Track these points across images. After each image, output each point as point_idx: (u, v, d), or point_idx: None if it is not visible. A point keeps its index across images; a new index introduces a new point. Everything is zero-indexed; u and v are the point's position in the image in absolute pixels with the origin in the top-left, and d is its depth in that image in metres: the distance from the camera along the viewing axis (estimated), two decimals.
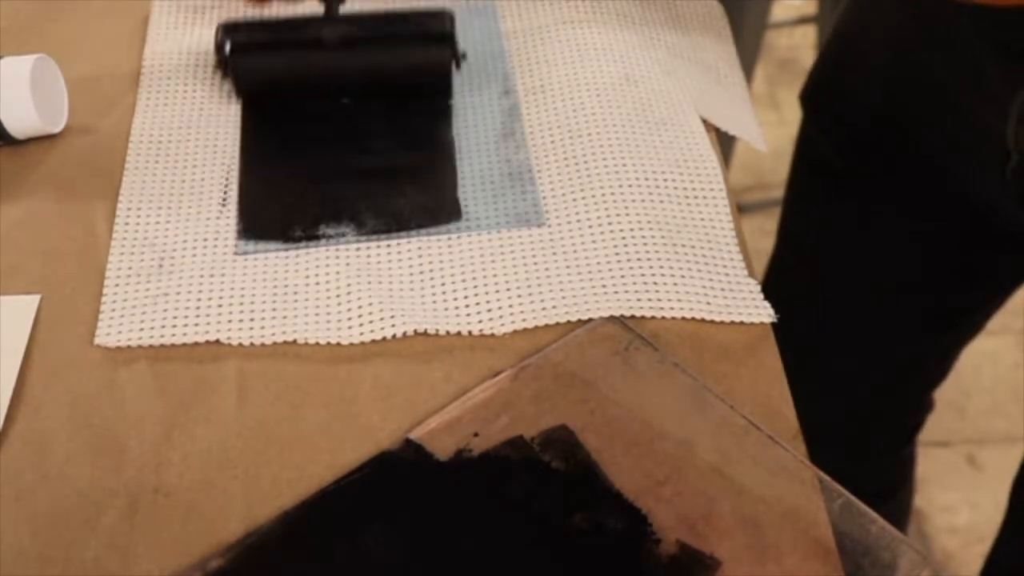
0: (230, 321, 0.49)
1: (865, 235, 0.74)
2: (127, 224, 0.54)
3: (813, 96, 0.77)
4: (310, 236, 0.53)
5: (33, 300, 0.51)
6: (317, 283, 0.51)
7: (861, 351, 0.80)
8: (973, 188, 0.65)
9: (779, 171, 0.92)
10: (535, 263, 0.52)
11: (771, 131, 0.80)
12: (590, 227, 0.53)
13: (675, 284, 0.51)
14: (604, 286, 0.51)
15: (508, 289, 0.51)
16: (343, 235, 0.53)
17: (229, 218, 0.54)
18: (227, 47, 0.59)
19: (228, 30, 0.60)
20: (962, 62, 0.60)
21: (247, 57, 0.59)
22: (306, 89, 0.60)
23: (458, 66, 0.60)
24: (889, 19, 0.67)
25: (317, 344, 0.49)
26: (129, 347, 0.49)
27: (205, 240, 0.53)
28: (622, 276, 0.51)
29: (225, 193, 0.55)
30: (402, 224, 0.54)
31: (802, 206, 0.81)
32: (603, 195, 0.54)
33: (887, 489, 0.93)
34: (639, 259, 0.52)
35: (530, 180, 0.56)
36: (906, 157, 0.69)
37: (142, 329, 0.49)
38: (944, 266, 0.73)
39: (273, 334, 0.49)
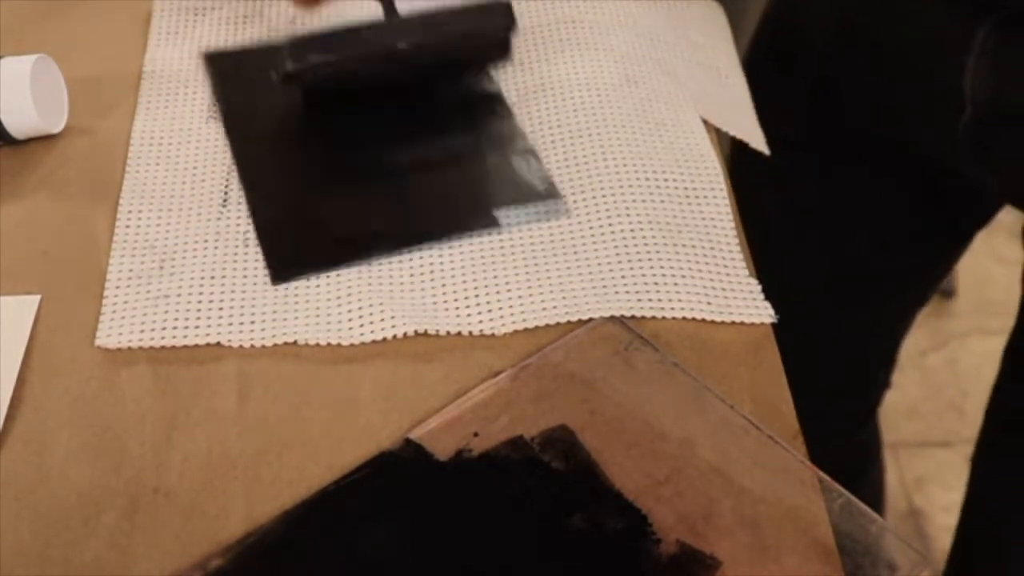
0: (231, 324, 0.49)
1: (819, 200, 0.74)
2: (127, 226, 0.54)
3: (756, 65, 0.76)
4: (345, 259, 0.52)
5: (33, 300, 0.51)
6: (318, 285, 0.51)
7: (819, 324, 0.80)
8: (926, 145, 0.65)
9: None
10: (535, 263, 0.52)
11: None
12: (590, 227, 0.53)
13: (676, 284, 0.51)
14: (604, 286, 0.51)
15: (508, 289, 0.51)
16: (378, 251, 0.52)
17: (229, 219, 0.54)
18: (296, 64, 0.56)
19: (295, 47, 0.56)
20: (910, 18, 0.60)
21: (319, 72, 0.57)
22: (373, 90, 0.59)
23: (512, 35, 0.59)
24: None
25: (317, 345, 0.49)
26: (130, 348, 0.49)
27: (206, 242, 0.53)
28: (622, 276, 0.51)
29: (226, 194, 0.55)
30: (434, 236, 0.53)
31: (754, 188, 0.81)
32: (603, 195, 0.54)
33: (851, 471, 0.93)
34: (639, 259, 0.52)
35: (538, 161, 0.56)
36: (856, 118, 0.69)
37: (143, 331, 0.49)
38: (901, 225, 0.73)
39: (274, 335, 0.49)
